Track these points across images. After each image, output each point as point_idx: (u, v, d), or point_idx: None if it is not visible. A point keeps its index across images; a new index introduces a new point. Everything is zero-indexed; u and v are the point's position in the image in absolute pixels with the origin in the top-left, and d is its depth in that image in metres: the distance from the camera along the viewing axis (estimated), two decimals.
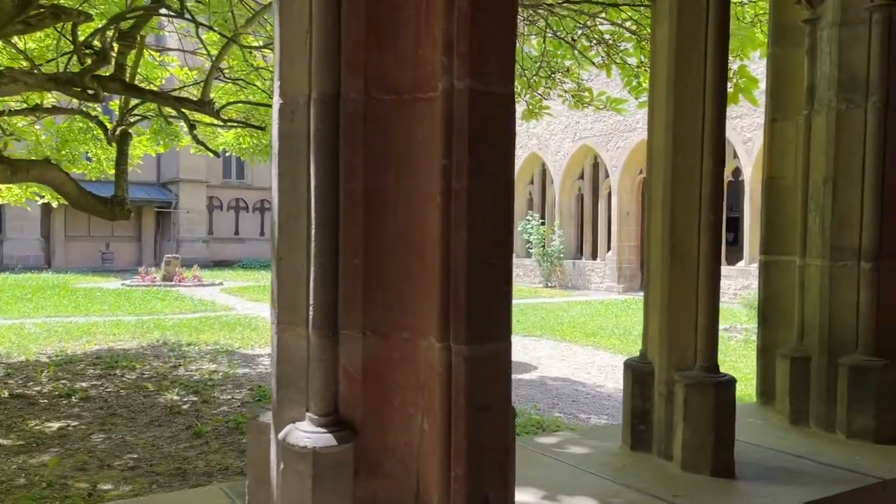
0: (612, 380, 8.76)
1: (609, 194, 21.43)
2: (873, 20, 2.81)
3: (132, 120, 8.75)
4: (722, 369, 2.42)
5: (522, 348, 10.76)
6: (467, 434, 1.57)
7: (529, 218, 23.32)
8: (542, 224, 23.13)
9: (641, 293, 20.85)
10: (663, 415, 2.53)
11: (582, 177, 22.69)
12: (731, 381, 2.42)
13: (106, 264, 31.52)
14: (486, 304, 1.60)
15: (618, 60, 6.27)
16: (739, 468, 2.46)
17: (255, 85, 8.56)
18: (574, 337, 11.82)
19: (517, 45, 7.09)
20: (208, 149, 8.85)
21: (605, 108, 6.79)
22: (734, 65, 5.45)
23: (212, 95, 7.49)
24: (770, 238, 3.32)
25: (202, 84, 9.16)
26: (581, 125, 21.75)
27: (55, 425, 6.24)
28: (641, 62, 6.16)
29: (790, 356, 3.06)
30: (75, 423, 6.32)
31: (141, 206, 33.22)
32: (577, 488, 2.27)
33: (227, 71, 8.25)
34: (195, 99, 7.26)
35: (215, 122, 8.13)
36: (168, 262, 22.50)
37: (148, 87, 8.93)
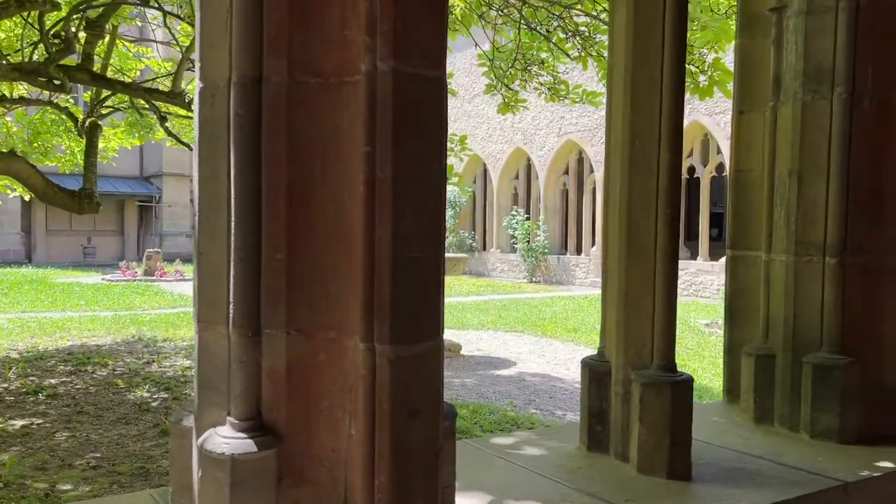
0: None
1: (594, 189, 21.37)
2: (839, 8, 2.73)
3: (104, 112, 8.58)
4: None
5: (503, 344, 10.69)
6: (392, 440, 1.48)
7: (514, 213, 23.25)
8: (527, 219, 23.07)
9: None
10: (620, 415, 2.45)
11: (567, 172, 22.63)
12: (689, 381, 2.34)
13: (88, 258, 31.22)
14: (413, 301, 1.51)
15: (593, 53, 6.19)
16: (697, 469, 2.39)
17: None
18: (555, 332, 11.75)
19: (493, 37, 7.02)
20: (181, 142, 8.69)
21: (581, 101, 6.70)
22: (709, 57, 5.38)
23: (185, 86, 7.34)
24: (737, 233, 3.25)
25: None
26: (566, 120, 21.68)
27: (19, 423, 6.10)
28: None
29: (755, 354, 2.98)
30: (40, 421, 6.19)
31: (123, 200, 32.97)
32: (527, 492, 2.19)
33: None
34: (166, 90, 7.12)
35: (189, 114, 7.99)
36: (149, 256, 22.27)
37: (120, 79, 8.77)
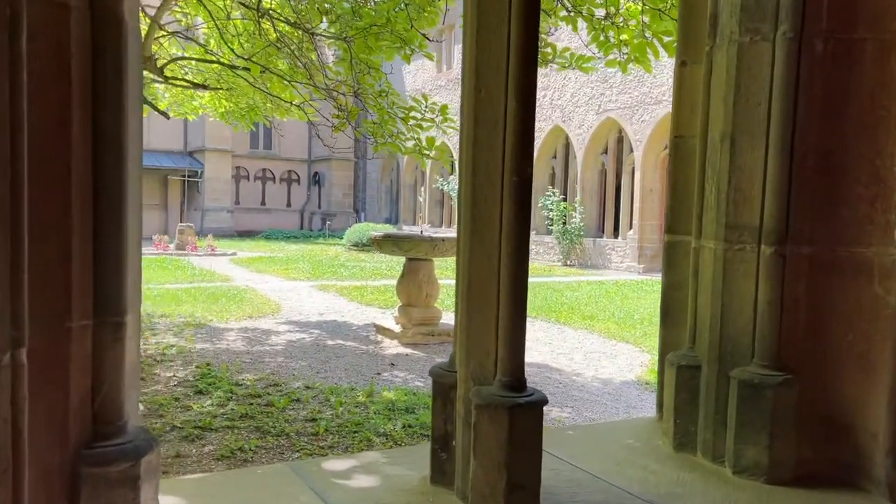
0: (592, 367, 8.09)
1: (633, 170, 20.48)
2: None
3: None
4: None
5: None
6: None
7: (550, 194, 22.50)
8: (563, 200, 22.30)
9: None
10: (462, 442, 1.91)
11: (606, 151, 21.74)
12: (536, 403, 1.78)
13: None
14: None
15: (584, 12, 5.51)
16: None
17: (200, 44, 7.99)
18: (570, 319, 11.12)
19: None
20: (157, 110, 8.34)
21: (569, 65, 6.04)
22: None
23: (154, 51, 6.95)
24: (674, 213, 2.64)
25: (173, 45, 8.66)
26: (606, 97, 20.78)
27: None
28: (610, 14, 5.40)
29: (677, 364, 2.39)
30: None
31: (167, 175, 33.28)
32: None
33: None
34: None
35: (159, 79, 7.61)
36: (181, 230, 22.29)
37: None
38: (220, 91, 9.07)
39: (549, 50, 6.06)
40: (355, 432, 5.46)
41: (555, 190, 22.55)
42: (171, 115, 10.55)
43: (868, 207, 2.11)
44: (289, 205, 36.31)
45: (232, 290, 13.32)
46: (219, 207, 33.45)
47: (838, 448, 2.15)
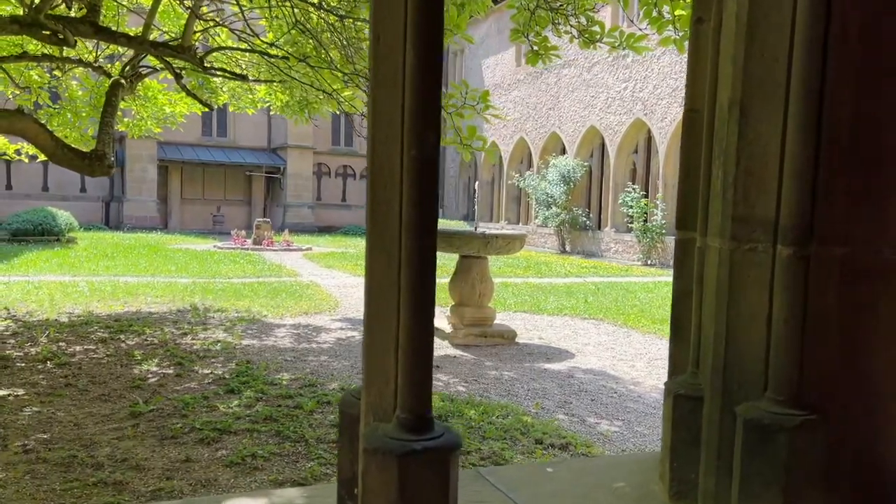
0: (655, 376, 7.50)
1: None
2: None
3: (143, 72, 8.25)
4: None
5: (572, 333, 9.58)
6: None
7: (630, 190, 21.64)
8: (644, 196, 21.40)
9: None
10: (363, 488, 1.50)
11: None
12: (439, 450, 1.35)
13: (217, 226, 32.50)
14: None
15: None
16: None
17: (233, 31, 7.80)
18: (638, 323, 10.47)
19: None
20: (199, 100, 8.22)
21: (620, 45, 5.49)
22: None
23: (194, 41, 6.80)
24: (685, 204, 2.15)
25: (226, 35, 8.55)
26: None
27: (0, 393, 5.83)
28: None
29: (675, 392, 1.91)
30: (20, 392, 5.88)
31: (248, 171, 34.01)
32: None
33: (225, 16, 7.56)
34: (175, 45, 6.60)
35: (197, 69, 7.47)
36: (258, 225, 22.62)
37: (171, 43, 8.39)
38: (275, 84, 8.92)
39: (596, 29, 5.53)
40: None
41: (635, 186, 21.68)
42: (231, 108, 10.51)
43: None
44: None
45: (294, 286, 13.26)
46: (300, 203, 33.98)
47: None
